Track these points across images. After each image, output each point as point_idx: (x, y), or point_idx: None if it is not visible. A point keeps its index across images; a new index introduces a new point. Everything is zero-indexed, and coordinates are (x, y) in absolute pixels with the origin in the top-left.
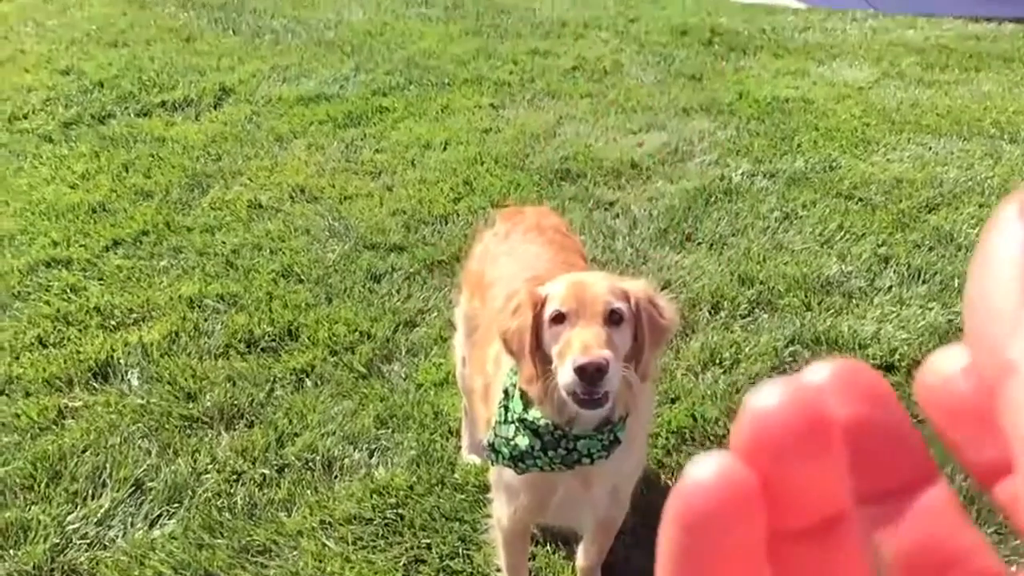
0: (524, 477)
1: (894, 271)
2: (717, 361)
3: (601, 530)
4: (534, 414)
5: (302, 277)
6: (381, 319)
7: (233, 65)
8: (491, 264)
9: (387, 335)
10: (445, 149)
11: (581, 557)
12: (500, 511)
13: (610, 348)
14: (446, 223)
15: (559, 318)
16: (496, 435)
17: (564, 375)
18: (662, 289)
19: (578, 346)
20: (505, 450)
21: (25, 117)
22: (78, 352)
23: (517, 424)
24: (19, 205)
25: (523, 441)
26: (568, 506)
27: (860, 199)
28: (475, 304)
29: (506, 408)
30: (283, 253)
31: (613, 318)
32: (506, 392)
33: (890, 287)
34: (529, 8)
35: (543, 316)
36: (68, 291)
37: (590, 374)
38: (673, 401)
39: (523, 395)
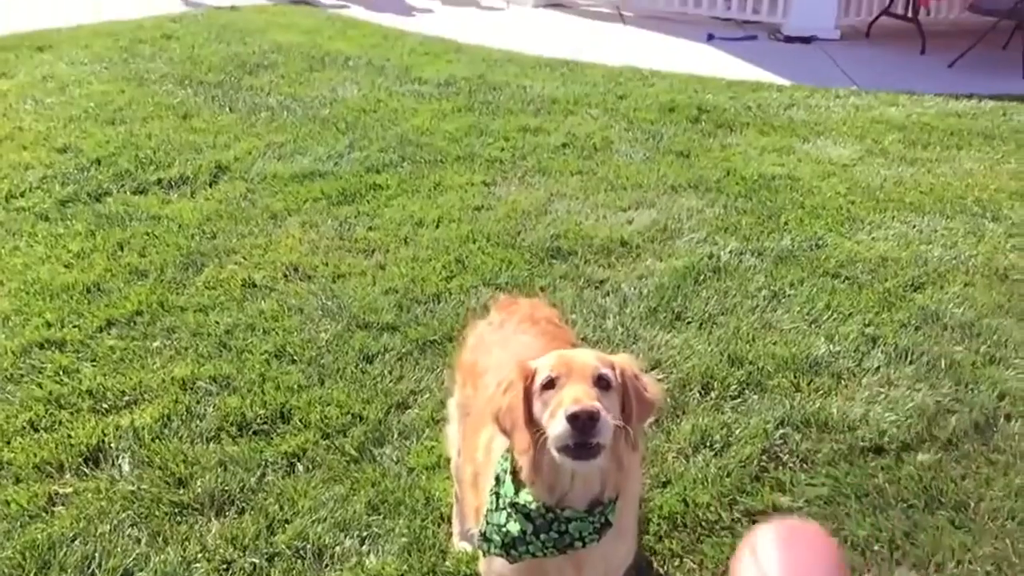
0: (515, 566)
1: (881, 351)
2: (708, 444)
3: None
4: (525, 497)
5: (295, 358)
6: (373, 401)
7: (229, 142)
8: (484, 353)
9: (379, 417)
10: (438, 227)
11: None
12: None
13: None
14: (438, 302)
15: (549, 384)
16: (488, 523)
17: (556, 427)
18: (652, 369)
19: (569, 399)
20: (497, 538)
21: (22, 195)
22: (69, 436)
23: (509, 510)
24: (14, 285)
25: (515, 527)
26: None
27: (846, 278)
28: (468, 392)
29: (497, 495)
30: (276, 333)
31: (601, 383)
32: (497, 478)
33: (878, 368)
34: (520, 85)
35: (533, 387)
36: (61, 373)
37: (582, 422)
38: (664, 485)
39: (515, 478)
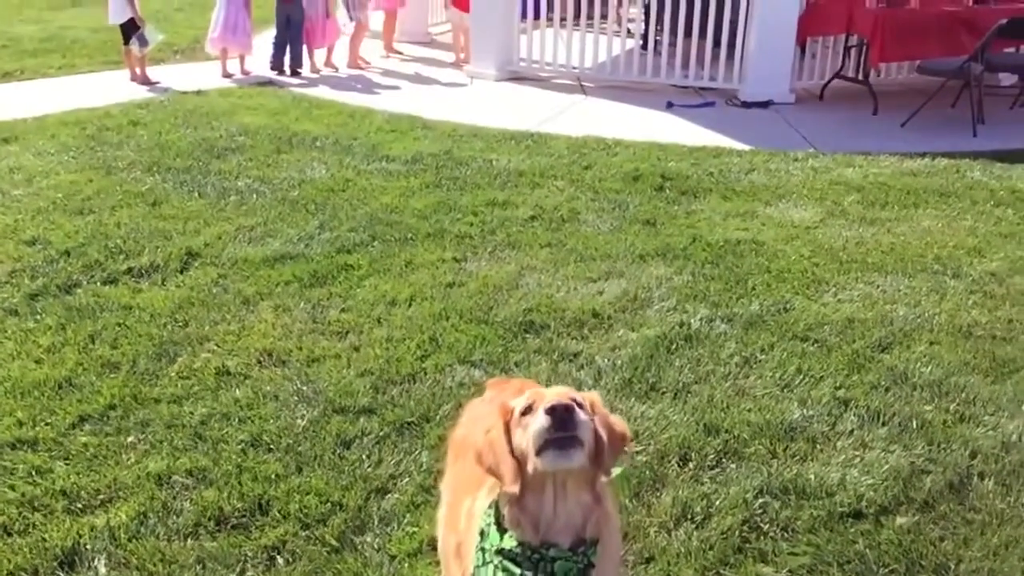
0: None
1: (854, 413)
2: (689, 516)
3: None
4: (510, 542)
5: (272, 446)
6: (353, 487)
7: (199, 228)
8: (474, 424)
9: (359, 504)
10: (411, 305)
11: None
12: None
13: None
14: (414, 382)
15: (527, 411)
16: None
17: (535, 424)
18: (630, 441)
19: (546, 401)
20: None
21: None
22: (44, 540)
23: (495, 560)
24: None
25: None
26: None
27: (815, 340)
28: (458, 468)
29: (483, 550)
30: (252, 421)
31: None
32: (482, 533)
33: (851, 430)
34: (487, 159)
35: (512, 420)
36: (34, 473)
37: (560, 413)
38: (648, 561)
39: (498, 524)
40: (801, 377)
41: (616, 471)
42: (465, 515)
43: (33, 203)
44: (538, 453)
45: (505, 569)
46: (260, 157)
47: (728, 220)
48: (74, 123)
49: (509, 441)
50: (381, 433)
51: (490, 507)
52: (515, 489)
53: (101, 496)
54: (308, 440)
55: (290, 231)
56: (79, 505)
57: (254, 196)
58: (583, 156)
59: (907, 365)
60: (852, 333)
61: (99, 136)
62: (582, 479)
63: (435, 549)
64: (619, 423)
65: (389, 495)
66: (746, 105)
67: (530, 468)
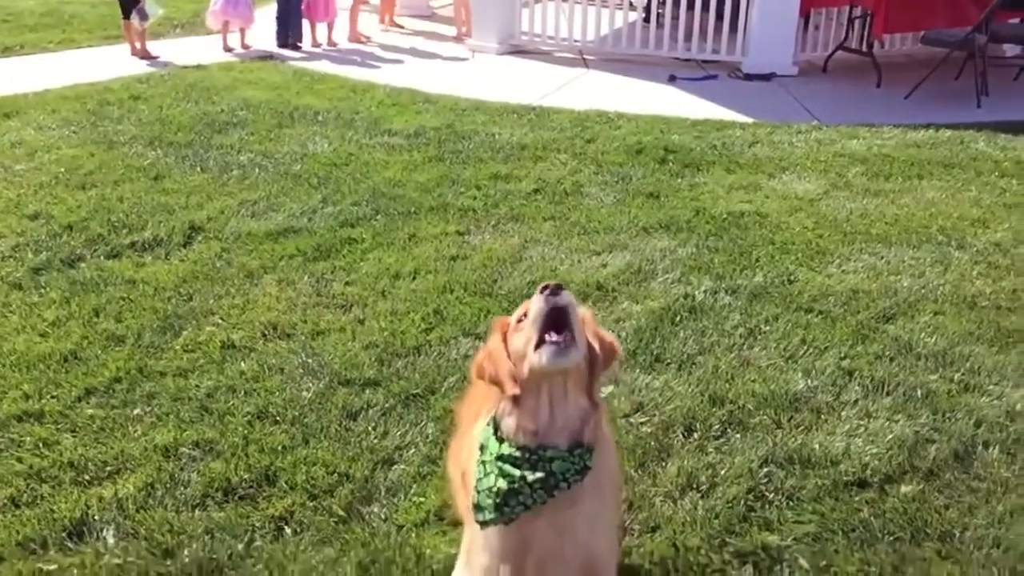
0: (499, 541)
1: (859, 384)
2: (694, 486)
3: None
4: (509, 449)
5: (278, 418)
6: (359, 458)
7: (202, 202)
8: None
9: (366, 475)
10: (414, 278)
11: None
12: None
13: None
14: (419, 354)
15: (522, 319)
16: (478, 492)
17: (532, 307)
18: (635, 412)
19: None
20: (489, 501)
21: None
22: (52, 511)
23: (496, 469)
24: None
25: (503, 482)
26: (544, 565)
27: (820, 311)
28: (466, 410)
29: (483, 463)
30: (258, 394)
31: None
32: (482, 447)
33: (856, 401)
34: (489, 133)
35: (510, 331)
36: (41, 446)
37: (552, 289)
38: (653, 530)
39: (496, 431)
40: (806, 348)
41: (607, 389)
42: (467, 448)
43: (35, 177)
44: (536, 347)
45: (505, 473)
46: (262, 131)
47: (732, 192)
48: (74, 98)
49: (507, 351)
50: (387, 405)
51: (488, 424)
52: (516, 391)
53: (108, 468)
54: (314, 412)
55: (293, 205)
56: (87, 477)
57: (256, 170)
58: (586, 129)
59: (911, 335)
60: (856, 304)
61: (100, 111)
62: (578, 382)
63: (442, 519)
64: (610, 336)
65: (395, 466)
66: (749, 78)
67: (526, 368)
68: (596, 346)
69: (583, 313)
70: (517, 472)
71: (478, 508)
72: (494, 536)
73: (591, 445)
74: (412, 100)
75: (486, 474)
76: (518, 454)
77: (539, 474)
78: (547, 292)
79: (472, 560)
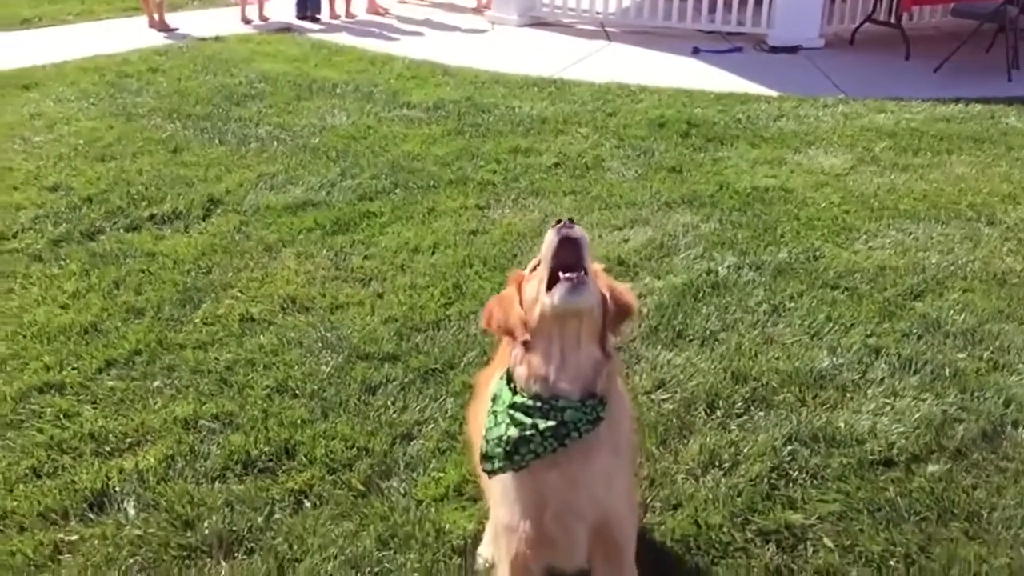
0: (517, 497)
1: (885, 362)
2: (716, 463)
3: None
4: (521, 398)
5: (297, 392)
6: (378, 433)
7: (220, 175)
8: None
9: (385, 449)
10: (434, 253)
11: None
12: (500, 558)
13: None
14: (438, 329)
15: (535, 268)
16: (487, 441)
17: (547, 239)
18: (657, 388)
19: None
20: (498, 450)
21: (14, 236)
22: (73, 482)
23: (507, 418)
24: (10, 328)
25: (514, 430)
26: (562, 519)
27: (846, 288)
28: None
29: (495, 412)
30: (277, 368)
31: None
32: (494, 398)
33: (882, 379)
34: (509, 106)
35: (524, 281)
36: (62, 417)
37: (565, 223)
38: (675, 508)
39: (509, 382)
40: (831, 325)
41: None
42: (484, 408)
43: (54, 149)
44: (549, 287)
45: (516, 421)
46: (280, 104)
47: (756, 167)
48: (93, 70)
49: (521, 301)
50: (406, 380)
51: (501, 377)
52: (525, 336)
53: (129, 439)
54: (333, 386)
55: (311, 178)
56: (107, 448)
57: (275, 143)
58: (607, 103)
59: (940, 313)
60: (883, 281)
61: (118, 83)
62: (590, 330)
63: (462, 495)
64: (626, 291)
65: (414, 441)
66: (774, 50)
67: (537, 312)
68: (609, 297)
69: (596, 267)
70: (528, 420)
71: (486, 457)
72: (512, 491)
73: (604, 396)
74: (431, 73)
75: (497, 423)
76: (530, 403)
77: (551, 422)
78: (560, 224)
79: (494, 518)
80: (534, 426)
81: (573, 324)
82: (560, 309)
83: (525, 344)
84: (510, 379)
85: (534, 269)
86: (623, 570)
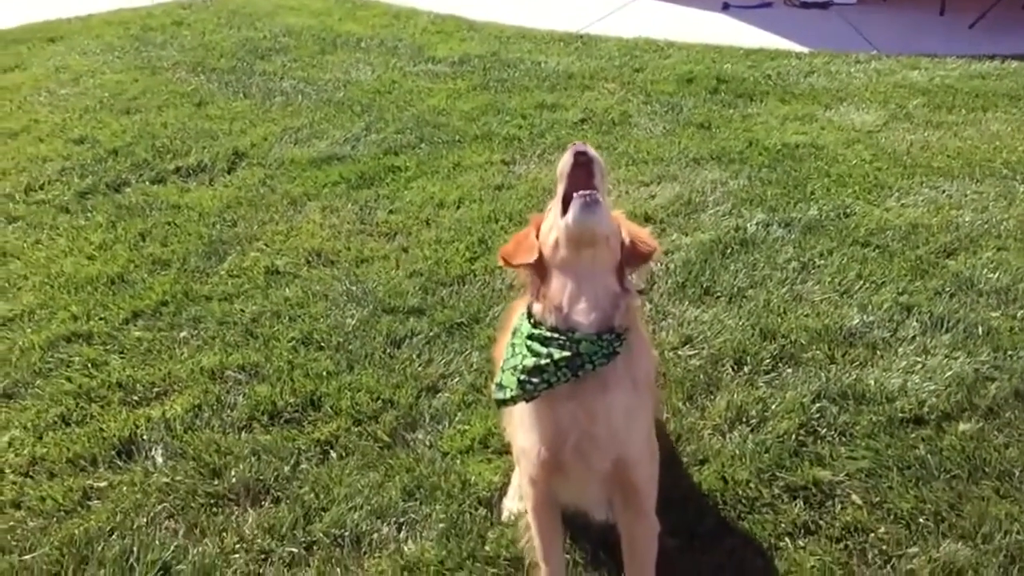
0: (536, 425)
1: (917, 320)
2: (744, 420)
3: (629, 514)
4: (539, 330)
5: (322, 344)
6: (403, 385)
7: (245, 128)
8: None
9: (410, 402)
10: (459, 207)
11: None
12: (523, 477)
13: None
14: (463, 284)
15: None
16: (502, 371)
17: (562, 161)
18: (683, 345)
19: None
20: (512, 379)
21: (41, 188)
22: (101, 430)
23: (524, 350)
24: (38, 279)
25: (530, 360)
26: (581, 450)
27: (877, 246)
28: None
29: (513, 345)
30: (302, 320)
31: None
32: (514, 331)
33: (913, 337)
34: (535, 61)
35: (542, 219)
36: (90, 366)
37: (579, 145)
38: (702, 463)
39: (530, 315)
40: (861, 283)
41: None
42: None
43: (80, 102)
44: (564, 211)
45: (532, 351)
46: (305, 58)
47: (786, 124)
48: (118, 23)
49: (538, 235)
50: (431, 333)
51: (522, 313)
52: (533, 256)
53: (156, 389)
54: (358, 339)
55: (336, 132)
56: (135, 397)
57: (299, 97)
58: (634, 58)
59: (973, 271)
60: (916, 239)
61: (143, 36)
62: (606, 260)
63: (487, 447)
64: (646, 234)
65: (440, 394)
66: (805, 5)
67: (552, 239)
68: (628, 240)
69: (617, 213)
70: (544, 350)
71: (500, 387)
72: (532, 419)
73: (621, 330)
74: (456, 27)
75: (514, 354)
76: (548, 334)
77: (566, 353)
78: (575, 147)
79: (516, 449)
80: (549, 355)
81: (588, 253)
82: (575, 230)
83: (542, 277)
84: (530, 313)
85: (551, 210)
86: (643, 517)
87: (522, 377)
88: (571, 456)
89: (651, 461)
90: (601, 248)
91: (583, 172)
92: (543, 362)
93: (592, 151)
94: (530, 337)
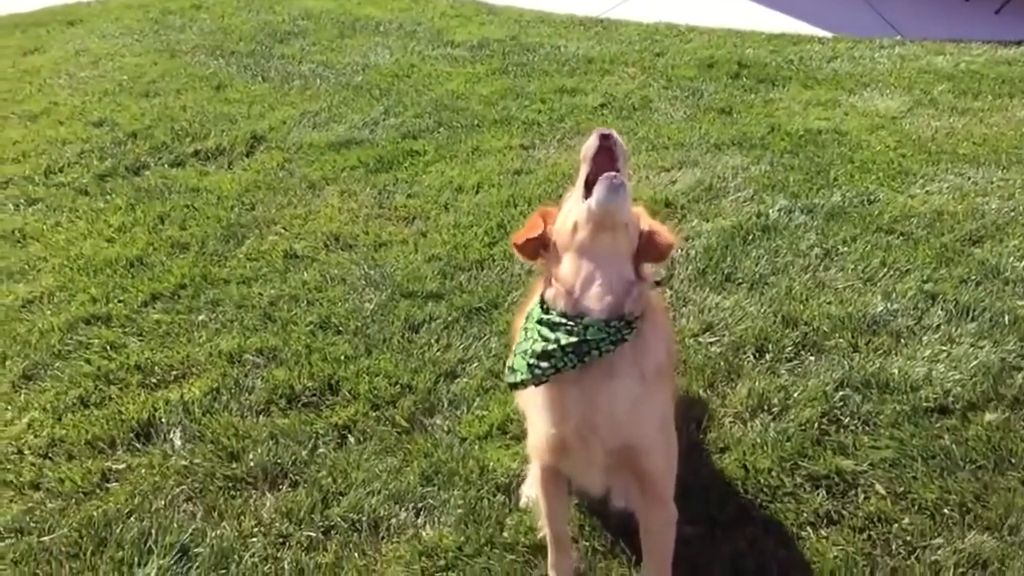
0: (544, 406)
1: (942, 308)
2: (765, 407)
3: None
4: (549, 315)
5: (340, 328)
6: (421, 370)
7: (264, 112)
8: None
9: (428, 387)
10: (477, 192)
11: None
12: (532, 450)
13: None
14: (482, 268)
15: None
16: (515, 355)
17: (586, 144)
18: (704, 331)
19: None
20: (522, 363)
21: (61, 171)
22: (120, 412)
23: (535, 334)
24: (58, 261)
25: (539, 345)
26: (581, 434)
27: (901, 233)
28: None
29: (526, 329)
30: (320, 304)
31: None
32: (528, 315)
33: (938, 325)
34: (554, 46)
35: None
36: (108, 348)
37: (604, 130)
38: (723, 451)
39: (543, 301)
40: (885, 270)
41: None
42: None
43: (99, 85)
44: (587, 193)
45: (542, 336)
46: (323, 42)
47: (809, 109)
48: (137, 6)
49: (546, 224)
50: (449, 318)
51: (538, 299)
52: (538, 230)
53: (175, 372)
54: (376, 323)
55: (355, 116)
56: (153, 380)
57: (318, 81)
58: (655, 43)
59: (999, 259)
60: (941, 226)
61: (162, 19)
62: (623, 247)
63: (506, 433)
64: (665, 230)
65: (458, 379)
66: None
67: (571, 223)
68: (645, 225)
69: (638, 208)
70: (552, 335)
71: (512, 370)
72: (541, 400)
73: (631, 319)
74: (475, 11)
75: (526, 338)
76: (556, 319)
77: (572, 339)
78: (600, 130)
79: (527, 422)
80: (556, 341)
81: (608, 237)
82: (598, 212)
83: (556, 261)
84: (543, 299)
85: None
86: (659, 505)
87: (531, 361)
88: (573, 439)
89: (666, 450)
90: (620, 233)
91: (607, 156)
92: (551, 347)
93: (617, 136)
94: (540, 322)
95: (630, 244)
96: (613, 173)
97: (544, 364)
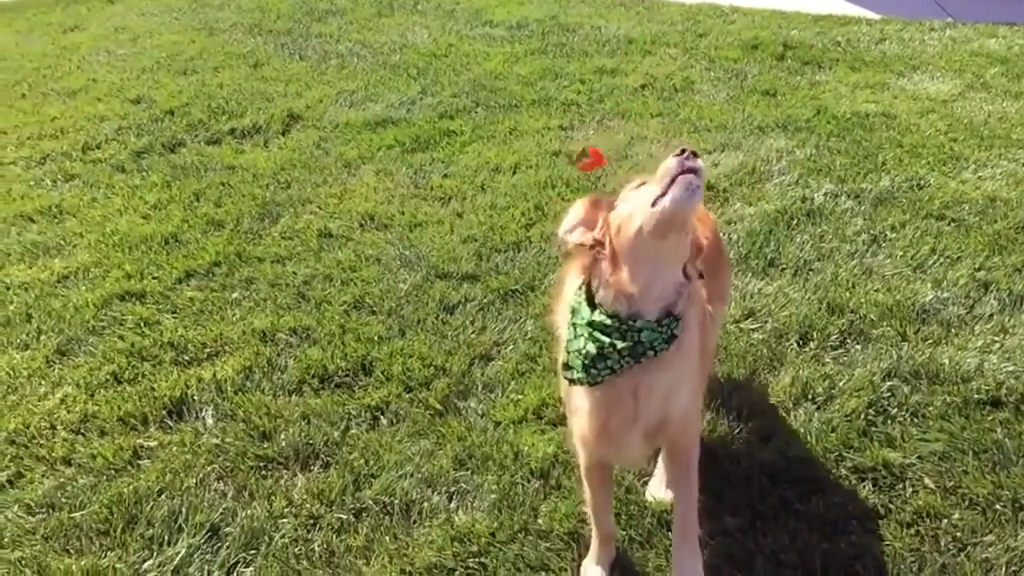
0: (587, 397)
1: (995, 297)
2: (809, 397)
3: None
4: (600, 316)
5: (374, 309)
6: (456, 352)
7: (300, 91)
8: None
9: (462, 369)
10: (515, 173)
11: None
12: (576, 438)
13: None
14: (518, 250)
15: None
16: (568, 351)
17: (666, 164)
18: (746, 318)
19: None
20: (578, 362)
21: (98, 147)
22: (152, 389)
23: (586, 333)
24: (93, 237)
25: (592, 347)
26: (625, 422)
27: (952, 220)
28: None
29: (575, 325)
30: (354, 284)
31: None
32: (573, 310)
33: (991, 315)
34: (595, 26)
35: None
36: (142, 325)
37: (688, 154)
38: (765, 440)
39: (590, 303)
40: (936, 257)
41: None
42: (564, 307)
43: (137, 62)
44: (664, 192)
45: (595, 339)
46: (361, 20)
47: (856, 92)
48: None
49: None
50: (485, 300)
51: (579, 288)
52: (589, 238)
53: (208, 349)
54: (411, 304)
55: (391, 96)
56: (186, 357)
57: (355, 60)
58: (697, 23)
59: None
60: (994, 212)
61: None
62: (684, 253)
63: (541, 418)
64: (698, 225)
65: (493, 362)
66: None
67: (637, 224)
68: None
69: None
70: (607, 340)
71: (568, 367)
72: (579, 395)
73: (680, 315)
74: None
75: (576, 336)
76: (608, 322)
77: (627, 343)
78: (684, 154)
79: (569, 419)
80: (611, 345)
81: (673, 240)
82: (671, 211)
83: (612, 262)
84: (590, 295)
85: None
86: (689, 472)
87: (587, 363)
88: (616, 426)
89: (696, 420)
90: (683, 238)
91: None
92: (606, 351)
93: (700, 162)
94: (591, 324)
95: (688, 248)
96: (691, 175)
97: (599, 366)
